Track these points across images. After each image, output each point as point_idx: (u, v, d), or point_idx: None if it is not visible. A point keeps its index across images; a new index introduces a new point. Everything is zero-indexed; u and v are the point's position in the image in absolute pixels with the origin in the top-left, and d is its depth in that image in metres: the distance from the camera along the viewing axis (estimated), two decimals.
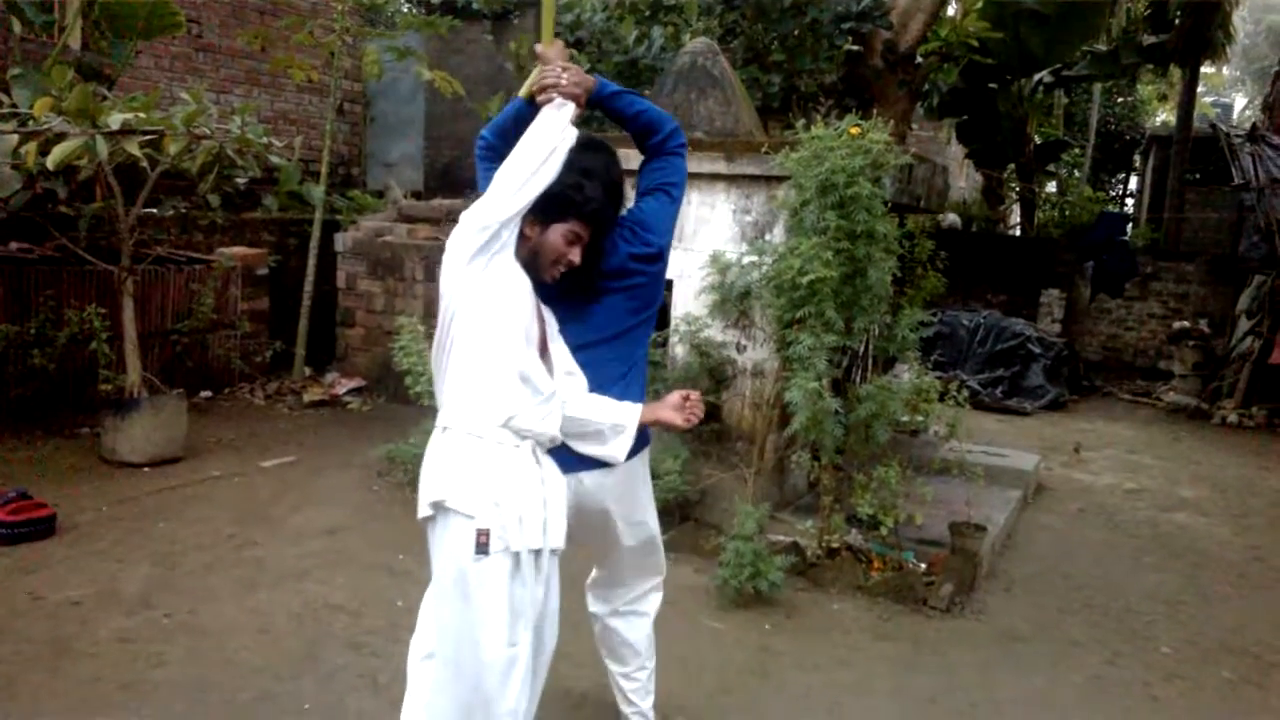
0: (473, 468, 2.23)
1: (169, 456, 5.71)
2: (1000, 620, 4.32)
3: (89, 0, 6.46)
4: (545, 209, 2.31)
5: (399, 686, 3.39)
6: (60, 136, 4.86)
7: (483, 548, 2.18)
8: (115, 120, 4.97)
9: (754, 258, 4.75)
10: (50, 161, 4.75)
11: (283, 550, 4.52)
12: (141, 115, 5.12)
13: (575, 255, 2.41)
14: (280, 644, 3.62)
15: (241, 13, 9.08)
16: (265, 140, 5.52)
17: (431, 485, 2.26)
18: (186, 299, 7.16)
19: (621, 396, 2.51)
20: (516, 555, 2.22)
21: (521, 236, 2.32)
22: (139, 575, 4.15)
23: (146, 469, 5.56)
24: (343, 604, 3.99)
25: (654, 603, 2.97)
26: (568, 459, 2.46)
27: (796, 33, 7.04)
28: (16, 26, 6.46)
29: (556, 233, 2.36)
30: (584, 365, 2.47)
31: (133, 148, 5.02)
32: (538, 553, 2.27)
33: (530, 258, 2.35)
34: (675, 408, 2.53)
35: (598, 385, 2.49)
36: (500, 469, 2.24)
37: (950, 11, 9.38)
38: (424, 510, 2.28)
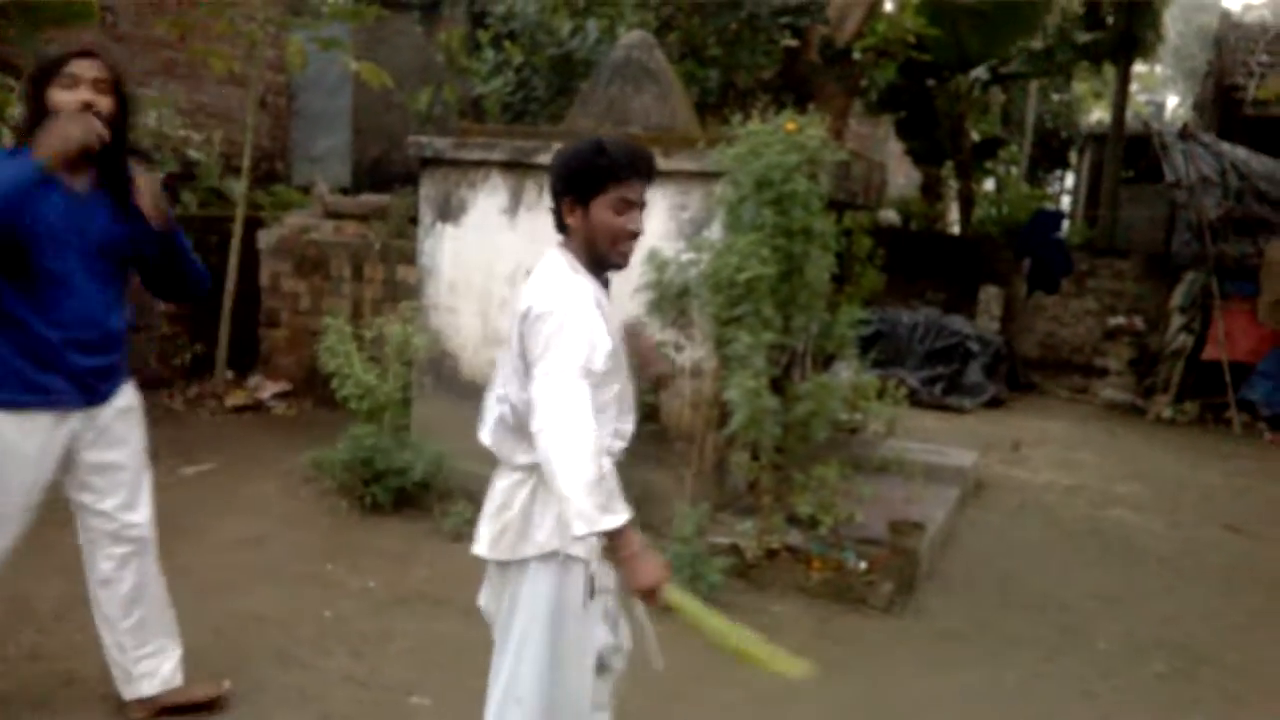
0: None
1: None
2: (939, 619, 4.33)
3: None
4: (576, 189, 2.16)
5: (329, 699, 3.31)
6: None
7: (591, 591, 2.35)
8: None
9: (691, 255, 4.69)
10: None
11: (204, 561, 4.35)
12: None
13: (635, 223, 2.20)
14: (203, 658, 3.46)
15: (158, 1, 8.75)
16: (183, 134, 5.35)
17: (551, 532, 2.27)
18: None
19: None
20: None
21: (564, 228, 2.21)
22: (50, 588, 3.95)
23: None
24: (268, 615, 3.87)
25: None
26: None
27: (734, 27, 7.02)
28: None
29: (601, 208, 2.16)
30: None
31: None
32: None
33: (588, 248, 2.20)
34: None
35: None
36: None
37: (888, 7, 9.40)
38: (523, 554, 2.28)
